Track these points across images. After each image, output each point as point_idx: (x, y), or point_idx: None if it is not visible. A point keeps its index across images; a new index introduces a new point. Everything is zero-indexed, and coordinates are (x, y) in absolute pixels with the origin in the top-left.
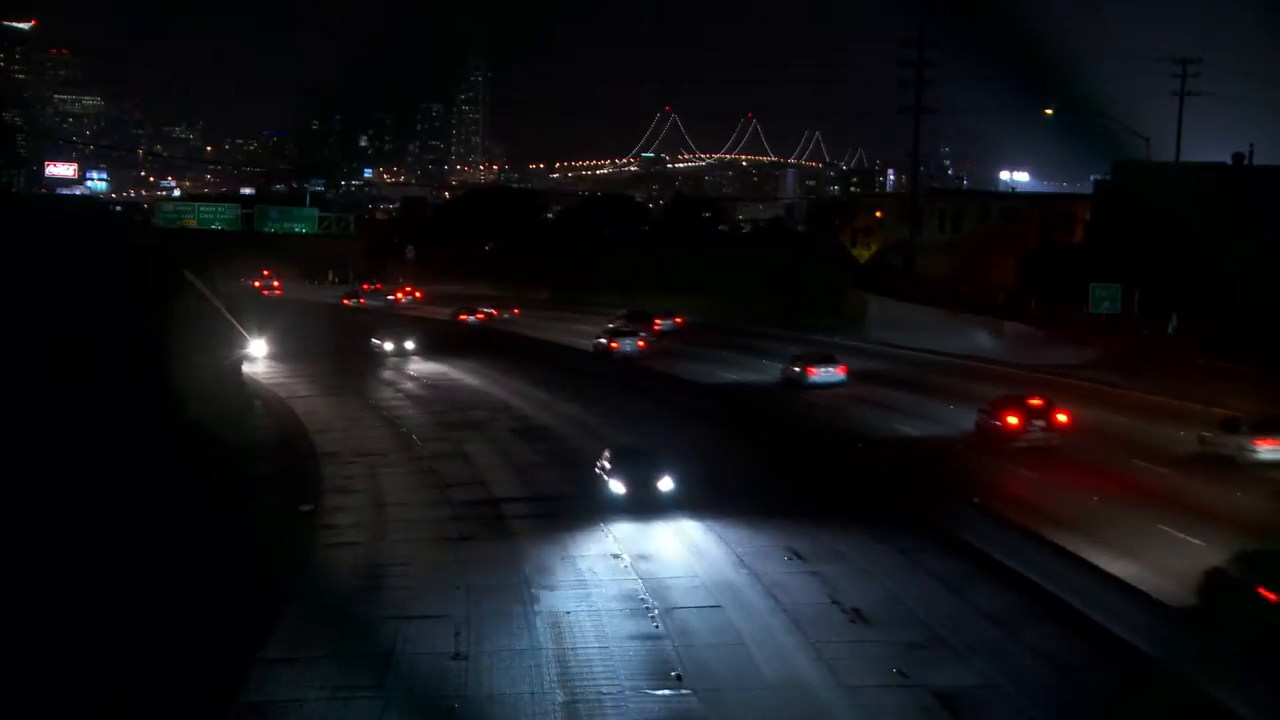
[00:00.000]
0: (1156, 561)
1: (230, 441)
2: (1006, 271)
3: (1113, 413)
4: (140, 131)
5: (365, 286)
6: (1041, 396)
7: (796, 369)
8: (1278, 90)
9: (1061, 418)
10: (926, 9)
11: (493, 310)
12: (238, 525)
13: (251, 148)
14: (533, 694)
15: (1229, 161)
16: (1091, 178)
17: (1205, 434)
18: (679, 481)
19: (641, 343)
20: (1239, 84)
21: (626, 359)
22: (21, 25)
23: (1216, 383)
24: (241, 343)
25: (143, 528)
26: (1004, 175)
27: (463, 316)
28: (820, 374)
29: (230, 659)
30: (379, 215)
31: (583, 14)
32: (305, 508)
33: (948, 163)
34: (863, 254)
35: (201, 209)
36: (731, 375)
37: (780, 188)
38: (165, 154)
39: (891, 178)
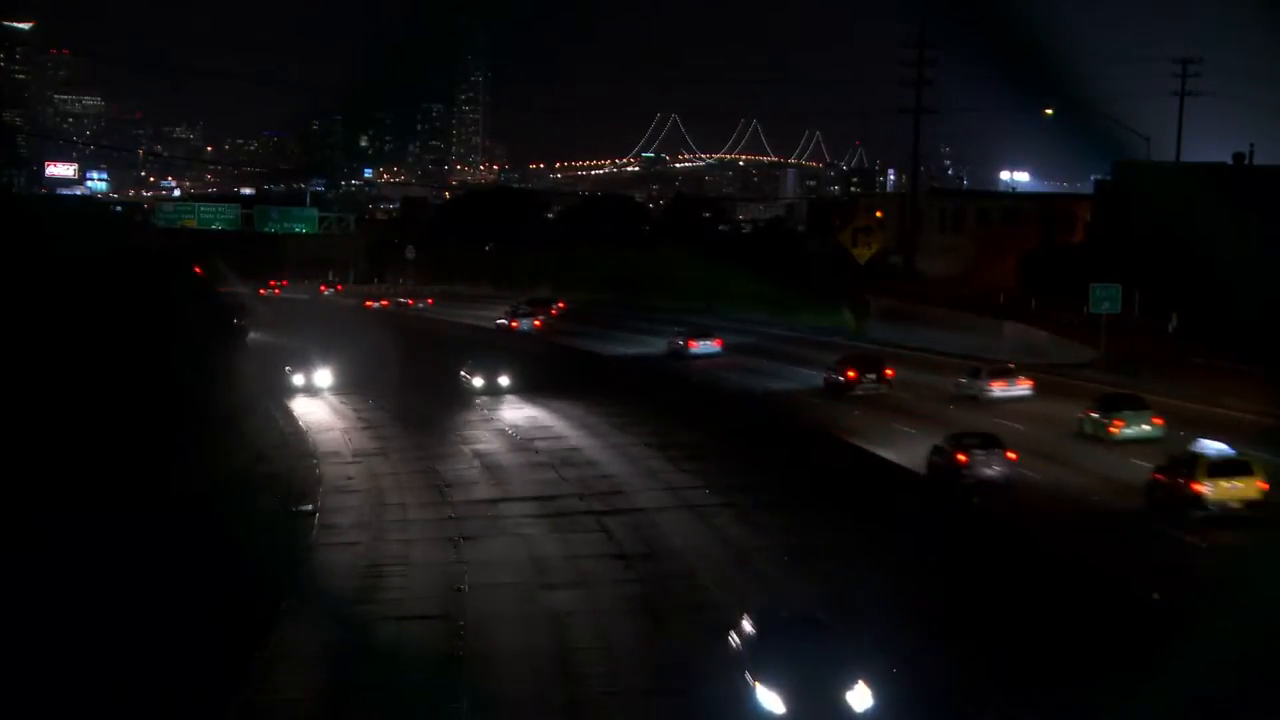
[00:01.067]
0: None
1: None
2: (1006, 271)
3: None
4: (140, 131)
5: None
6: (875, 357)
7: (680, 342)
8: (1278, 90)
9: (889, 373)
10: (926, 9)
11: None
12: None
13: (251, 148)
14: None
15: (1229, 161)
16: (1091, 178)
17: (960, 380)
18: None
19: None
20: (1239, 84)
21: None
22: (21, 25)
23: (1216, 382)
24: (303, 370)
25: (145, 529)
26: (1004, 175)
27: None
28: (700, 346)
29: (230, 659)
30: (379, 215)
31: (583, 14)
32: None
33: (948, 163)
34: (863, 254)
35: (201, 209)
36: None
37: (780, 188)
38: (165, 154)
39: (891, 178)
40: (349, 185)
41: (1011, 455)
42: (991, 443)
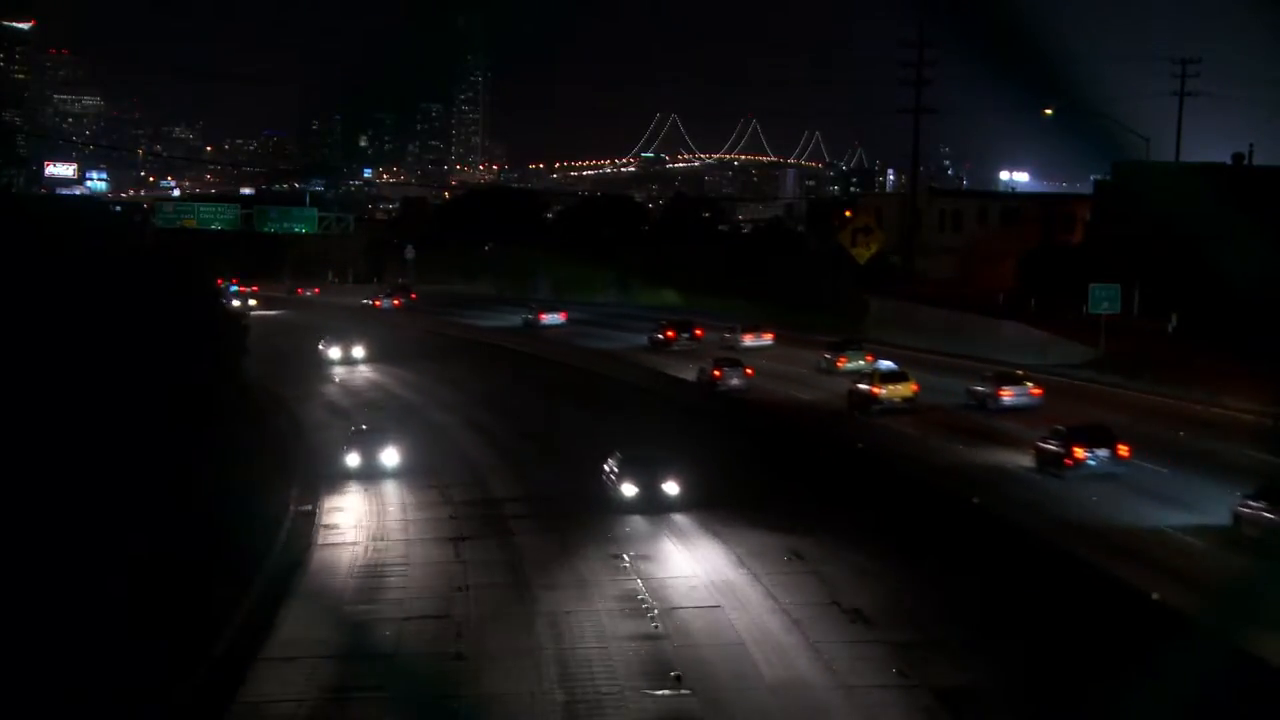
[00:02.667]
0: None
1: None
2: (1006, 271)
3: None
4: (140, 131)
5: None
6: (696, 322)
7: (531, 315)
8: (1278, 90)
9: (699, 333)
10: (926, 9)
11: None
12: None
13: (251, 148)
14: (532, 694)
15: (1229, 161)
16: (1091, 178)
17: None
18: None
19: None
20: (1239, 84)
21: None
22: (21, 25)
23: (1216, 382)
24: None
25: (146, 528)
26: (1004, 175)
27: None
28: (547, 319)
29: (231, 659)
30: (379, 215)
31: (583, 14)
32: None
33: (948, 163)
34: (863, 254)
35: (201, 209)
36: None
37: (780, 188)
38: (165, 154)
39: (891, 178)
40: (349, 185)
41: (749, 371)
42: (736, 364)
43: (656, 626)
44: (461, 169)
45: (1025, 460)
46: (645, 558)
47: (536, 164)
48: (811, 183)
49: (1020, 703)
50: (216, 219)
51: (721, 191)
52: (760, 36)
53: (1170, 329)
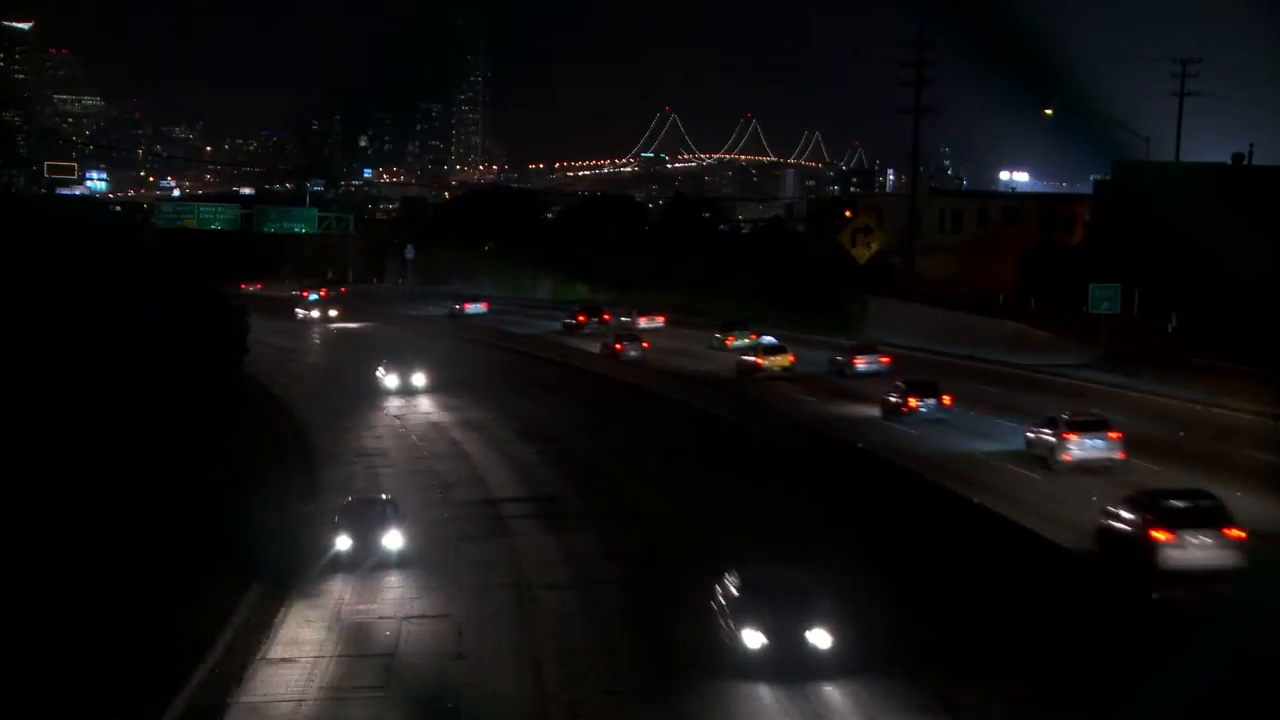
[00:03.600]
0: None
1: None
2: (1006, 271)
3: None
4: (140, 131)
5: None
6: (605, 309)
7: (456, 306)
8: (1278, 90)
9: (606, 317)
10: (926, 9)
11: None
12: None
13: (251, 148)
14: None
15: (1229, 161)
16: (1091, 178)
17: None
18: None
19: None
20: (1239, 84)
21: None
22: (21, 25)
23: (1216, 381)
24: None
25: (147, 526)
26: (1004, 175)
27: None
28: (471, 308)
29: (231, 659)
30: (379, 215)
31: (583, 14)
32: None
33: (947, 163)
34: (863, 254)
35: (201, 209)
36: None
37: (780, 188)
38: (165, 154)
39: (891, 178)
40: (348, 185)
41: (646, 345)
42: (635, 338)
43: None
44: (461, 169)
45: (874, 411)
46: None
47: (536, 164)
48: (811, 183)
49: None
50: (216, 219)
51: (721, 191)
52: (760, 36)
53: (1170, 329)
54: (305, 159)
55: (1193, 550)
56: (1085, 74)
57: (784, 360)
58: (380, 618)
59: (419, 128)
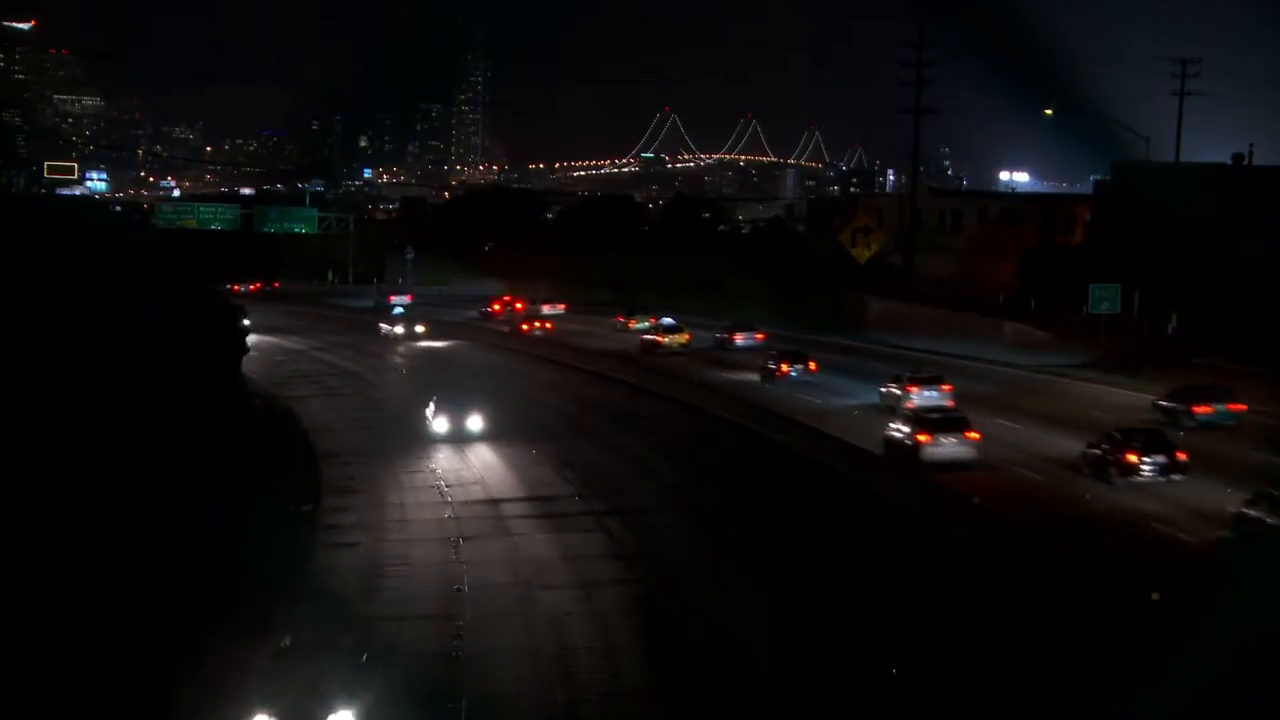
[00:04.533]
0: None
1: None
2: (1006, 271)
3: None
4: (140, 131)
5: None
6: (516, 299)
7: (384, 299)
8: (1278, 90)
9: (518, 306)
10: (926, 9)
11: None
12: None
13: (251, 148)
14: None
15: (1229, 161)
16: (1091, 178)
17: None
18: None
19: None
20: (1239, 84)
21: None
22: (21, 25)
23: (1216, 381)
24: None
25: (147, 526)
26: (1004, 175)
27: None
28: (395, 300)
29: (230, 658)
30: (379, 215)
31: (583, 14)
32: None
33: (947, 163)
34: (863, 254)
35: (201, 209)
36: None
37: (780, 188)
38: (165, 154)
39: (891, 178)
40: (348, 185)
41: (550, 326)
42: (541, 319)
43: None
44: (461, 169)
45: (754, 377)
46: None
47: (536, 164)
48: (811, 183)
49: None
50: (216, 219)
51: (721, 191)
52: (761, 36)
53: (1170, 329)
54: (305, 159)
55: (944, 447)
56: (1085, 74)
57: (681, 338)
58: None
59: (419, 128)
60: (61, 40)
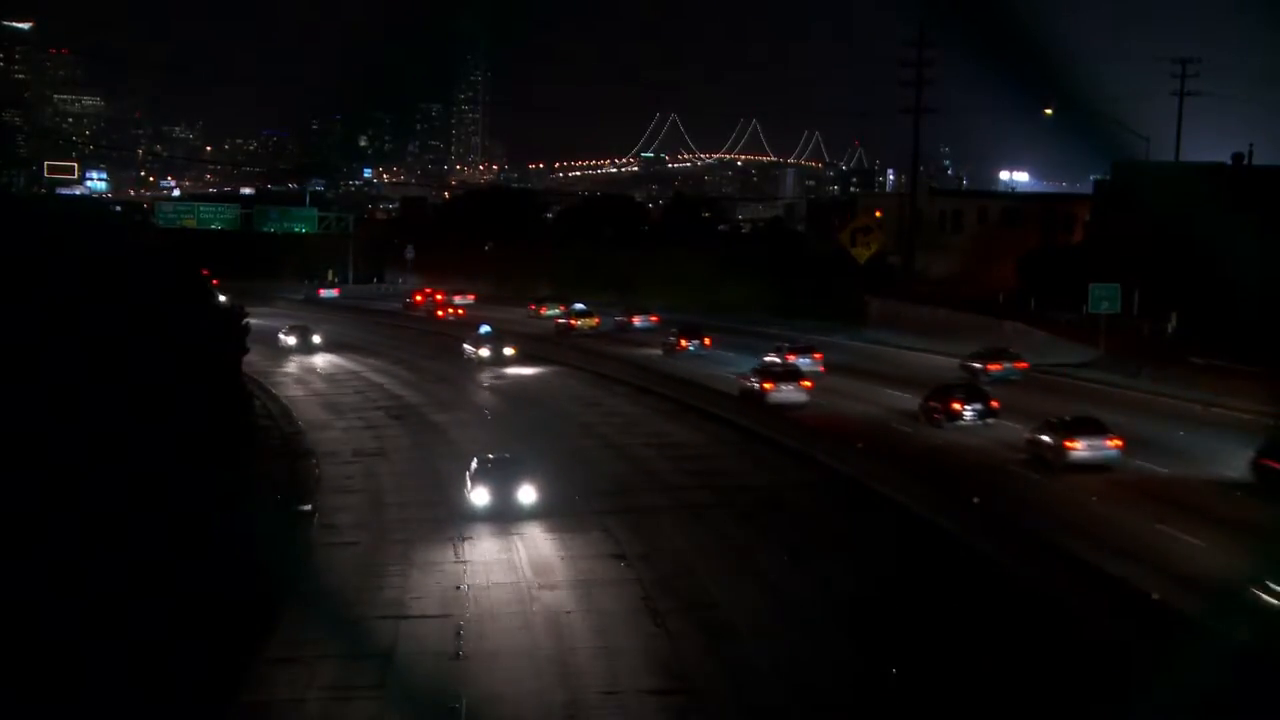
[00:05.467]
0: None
1: None
2: (1006, 271)
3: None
4: (140, 131)
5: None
6: (436, 290)
7: (314, 290)
8: (1278, 90)
9: (438, 296)
10: (926, 9)
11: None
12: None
13: (251, 148)
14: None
15: (1229, 161)
16: (1091, 178)
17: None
18: None
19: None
20: (1239, 84)
21: None
22: (21, 25)
23: (1216, 382)
24: None
25: (146, 528)
26: (1004, 175)
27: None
28: (324, 293)
29: (230, 659)
30: (379, 215)
31: (583, 14)
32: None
33: (947, 163)
34: (863, 254)
35: (201, 209)
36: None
37: (780, 188)
38: (165, 154)
39: (891, 178)
40: (348, 185)
41: (462, 312)
42: (455, 307)
43: None
44: (461, 169)
45: (656, 351)
46: None
47: (536, 164)
48: (811, 183)
49: None
50: (216, 219)
51: (721, 191)
52: (761, 37)
53: (1170, 329)
54: (305, 159)
55: (784, 393)
56: (1085, 74)
57: (591, 322)
58: None
59: (419, 128)
60: (61, 40)
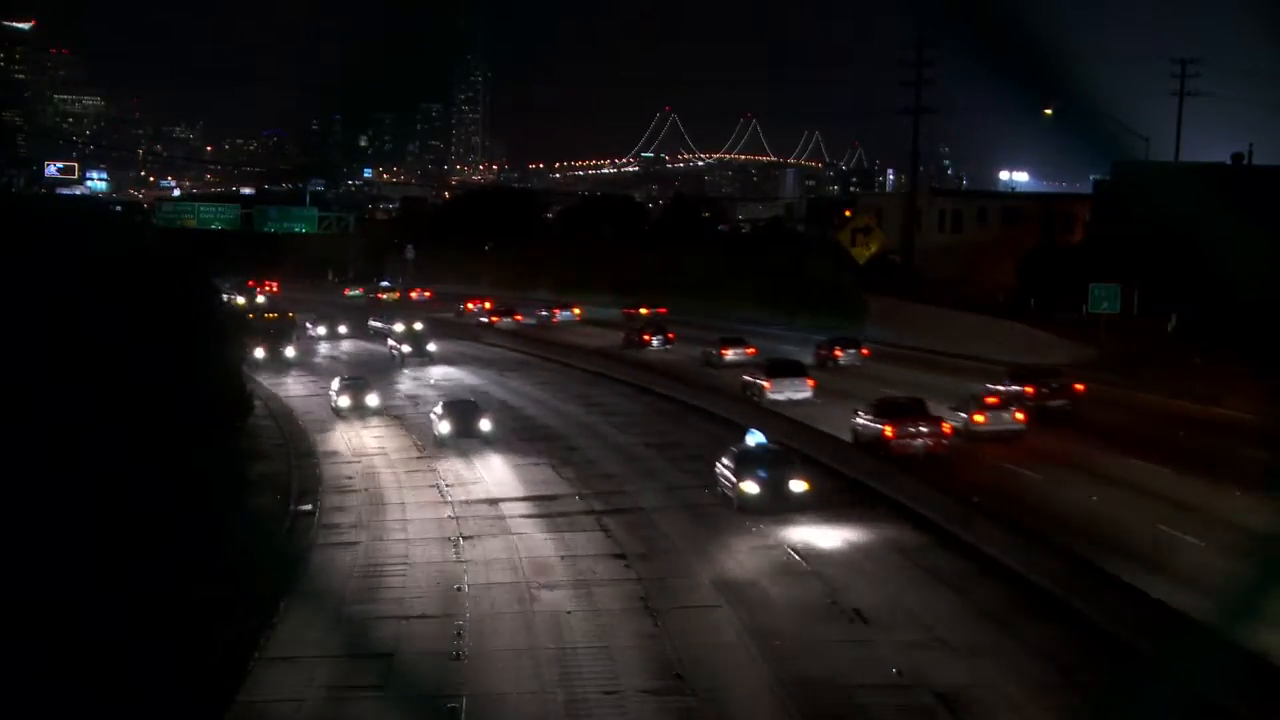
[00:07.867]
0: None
1: None
2: (1006, 271)
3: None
4: (140, 131)
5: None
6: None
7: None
8: (1278, 90)
9: (396, 294)
10: (926, 9)
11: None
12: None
13: (251, 148)
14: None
15: (1229, 161)
16: (1091, 178)
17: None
18: None
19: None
20: (1239, 84)
21: None
22: (21, 25)
23: (1216, 382)
24: None
25: (144, 528)
26: (1004, 175)
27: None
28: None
29: (230, 659)
30: (379, 215)
31: (583, 14)
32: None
33: (947, 163)
34: (863, 254)
35: (201, 209)
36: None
37: (780, 188)
38: (165, 154)
39: (891, 178)
40: (349, 185)
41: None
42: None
43: None
44: (461, 169)
45: (617, 339)
46: None
47: (536, 164)
48: (811, 183)
49: None
50: (216, 219)
51: (721, 191)
52: (760, 36)
53: (1170, 329)
54: (305, 159)
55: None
56: (1085, 74)
57: (512, 318)
58: None
59: (419, 128)
60: (61, 40)
